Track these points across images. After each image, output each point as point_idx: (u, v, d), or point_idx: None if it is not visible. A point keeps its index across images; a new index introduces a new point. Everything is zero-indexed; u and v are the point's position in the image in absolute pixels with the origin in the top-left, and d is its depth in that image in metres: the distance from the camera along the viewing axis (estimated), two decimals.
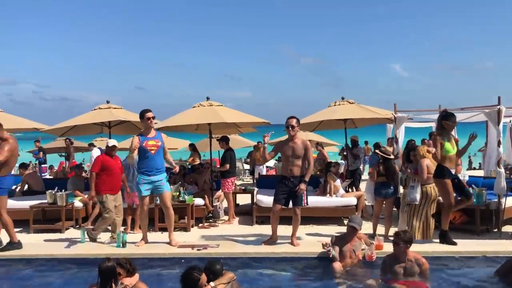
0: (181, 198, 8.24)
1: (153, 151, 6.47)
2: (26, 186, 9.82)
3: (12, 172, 6.62)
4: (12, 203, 8.52)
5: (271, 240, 6.61)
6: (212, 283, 4.20)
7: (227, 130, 11.72)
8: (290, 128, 6.42)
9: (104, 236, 7.19)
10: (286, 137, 6.66)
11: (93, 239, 6.91)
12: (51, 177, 13.84)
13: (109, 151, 7.29)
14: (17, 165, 8.90)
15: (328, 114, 9.55)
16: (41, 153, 14.24)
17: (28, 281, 5.54)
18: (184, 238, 7.15)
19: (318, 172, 11.20)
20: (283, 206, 6.54)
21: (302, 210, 6.67)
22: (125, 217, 7.88)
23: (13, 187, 10.05)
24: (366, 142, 12.62)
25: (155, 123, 7.37)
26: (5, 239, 6.54)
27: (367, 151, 14.52)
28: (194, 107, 9.24)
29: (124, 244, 6.49)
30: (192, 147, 13.40)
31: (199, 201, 8.68)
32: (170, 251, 6.28)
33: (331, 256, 5.58)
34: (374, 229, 7.28)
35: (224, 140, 9.21)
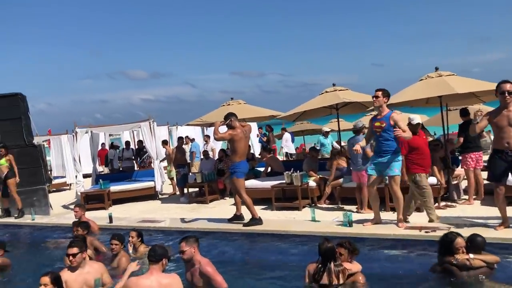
0: None
1: (377, 132, 6.40)
2: (269, 168, 10.93)
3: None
4: (257, 184, 9.75)
5: (503, 226, 5.78)
6: (471, 254, 4.29)
7: (465, 101, 10.50)
8: (507, 94, 5.53)
9: (331, 215, 7.49)
10: None
11: (431, 220, 6.61)
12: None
13: (412, 129, 6.73)
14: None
15: None
16: (265, 138, 15.84)
17: (265, 253, 6.24)
18: (416, 219, 6.84)
19: None
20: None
21: None
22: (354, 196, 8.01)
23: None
24: None
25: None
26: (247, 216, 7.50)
27: None
28: (422, 79, 8.62)
29: (350, 224, 6.62)
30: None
31: (432, 179, 8.10)
32: (396, 232, 6.12)
33: None
34: None
35: (461, 113, 8.41)
